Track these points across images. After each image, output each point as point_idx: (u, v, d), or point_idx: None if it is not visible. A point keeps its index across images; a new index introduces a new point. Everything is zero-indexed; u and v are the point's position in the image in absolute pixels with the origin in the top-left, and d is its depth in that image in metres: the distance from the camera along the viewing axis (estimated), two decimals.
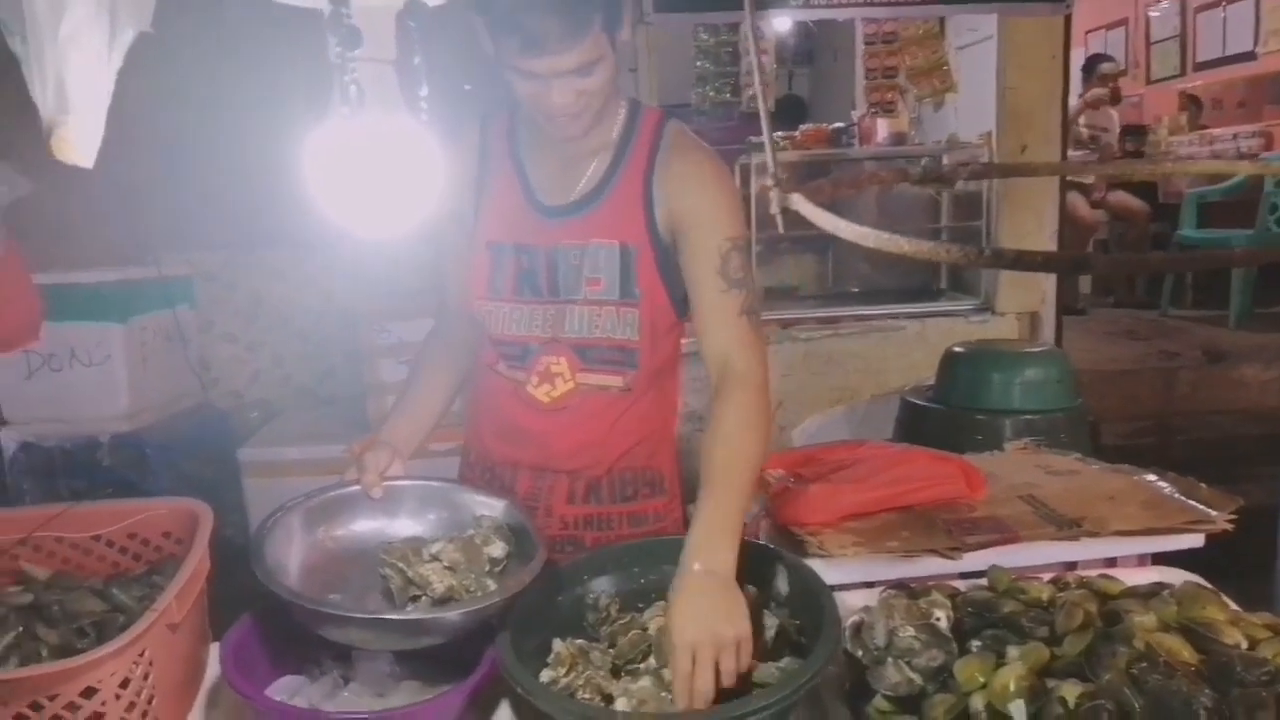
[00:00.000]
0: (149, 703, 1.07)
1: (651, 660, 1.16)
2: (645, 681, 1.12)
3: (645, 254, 1.38)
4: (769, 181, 1.90)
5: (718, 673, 1.05)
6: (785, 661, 1.13)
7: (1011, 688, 1.03)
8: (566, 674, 1.11)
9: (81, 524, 1.34)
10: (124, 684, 1.03)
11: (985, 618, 1.19)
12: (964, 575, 1.44)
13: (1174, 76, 8.38)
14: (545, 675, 1.11)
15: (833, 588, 1.17)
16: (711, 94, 6.77)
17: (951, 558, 1.49)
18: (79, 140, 0.95)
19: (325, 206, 1.17)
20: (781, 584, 1.22)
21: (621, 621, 1.22)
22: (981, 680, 1.06)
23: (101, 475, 2.97)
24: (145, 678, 1.06)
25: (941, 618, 1.17)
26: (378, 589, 1.25)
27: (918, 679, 1.09)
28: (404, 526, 1.35)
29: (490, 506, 1.36)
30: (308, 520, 1.30)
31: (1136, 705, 0.97)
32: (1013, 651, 1.09)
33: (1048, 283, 4.24)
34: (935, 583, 1.31)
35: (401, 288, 3.54)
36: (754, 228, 4.00)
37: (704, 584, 1.10)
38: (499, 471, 1.53)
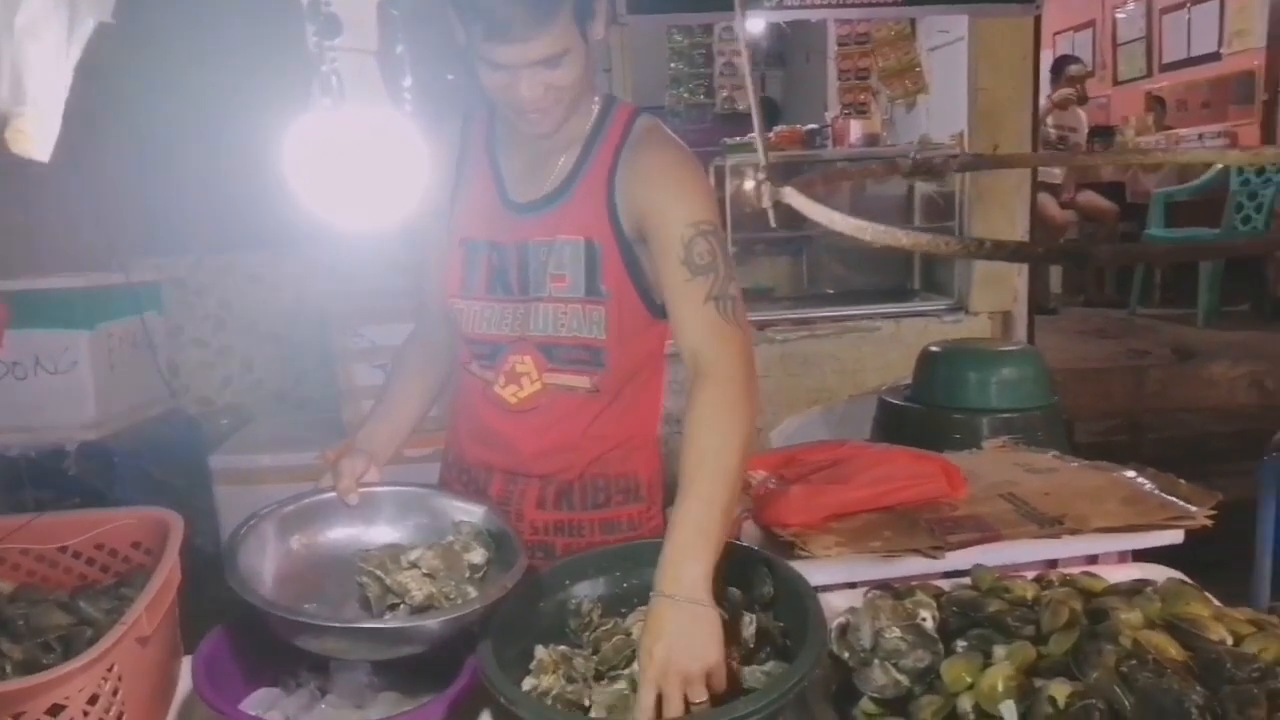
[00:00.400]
0: (118, 719, 1.04)
1: (635, 666, 1.14)
2: (621, 685, 1.10)
3: (610, 250, 1.34)
4: (760, 175, 1.89)
5: (686, 703, 1.02)
6: (770, 665, 1.12)
7: (1000, 688, 1.02)
8: (550, 680, 1.09)
9: (47, 535, 1.30)
10: (92, 700, 0.99)
11: (970, 617, 1.19)
12: (947, 574, 1.43)
13: (1140, 78, 8.50)
14: (528, 683, 1.09)
15: (816, 588, 1.16)
16: (685, 95, 6.80)
17: (934, 557, 1.49)
18: (35, 133, 0.92)
19: (305, 203, 1.14)
20: (765, 586, 1.21)
21: (604, 627, 1.20)
22: (969, 681, 1.06)
23: (69, 485, 2.90)
24: (114, 693, 1.03)
25: (927, 618, 1.17)
26: (355, 597, 1.23)
27: (905, 680, 1.09)
28: (381, 533, 1.32)
29: (469, 512, 1.34)
30: (282, 528, 1.27)
31: (1127, 704, 0.96)
32: (999, 651, 1.09)
33: (1020, 281, 4.28)
34: (919, 582, 1.30)
35: (376, 290, 3.49)
36: (729, 229, 4.00)
37: (671, 612, 1.05)
38: (474, 474, 1.51)
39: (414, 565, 1.23)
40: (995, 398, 2.69)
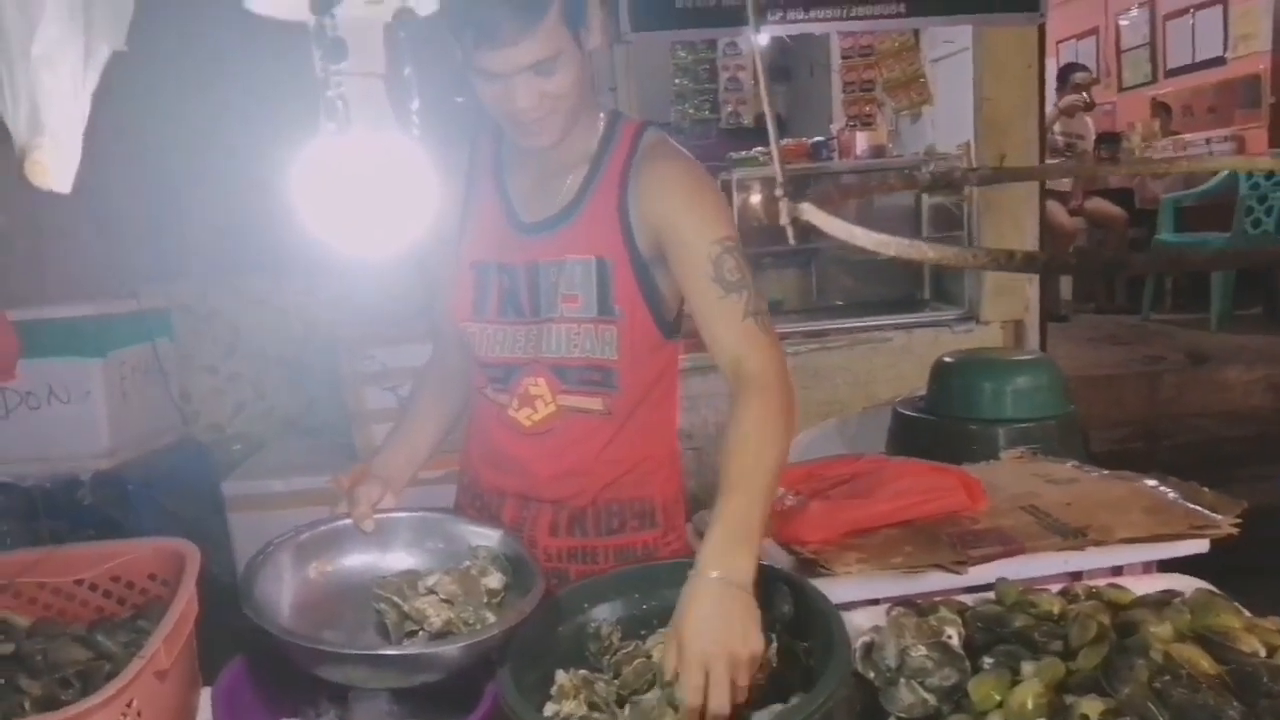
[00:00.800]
0: None
1: (657, 690, 1.12)
2: (650, 696, 1.08)
3: (623, 268, 1.34)
4: (778, 192, 1.88)
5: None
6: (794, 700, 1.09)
7: (1030, 706, 1.00)
8: (572, 706, 1.07)
9: (63, 568, 1.30)
10: None
11: (996, 633, 1.17)
12: (969, 589, 1.41)
13: (1145, 84, 8.48)
14: (549, 709, 1.08)
15: (836, 606, 1.14)
16: (691, 111, 6.82)
17: (957, 572, 1.47)
18: (54, 164, 0.92)
19: (312, 228, 1.13)
20: (786, 605, 1.19)
21: (625, 650, 1.19)
22: (998, 699, 1.04)
23: (83, 514, 2.90)
24: None
25: (953, 635, 1.15)
26: (373, 625, 1.22)
27: (932, 699, 1.07)
28: (398, 559, 1.31)
29: (486, 536, 1.33)
30: (298, 556, 1.26)
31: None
32: (1027, 668, 1.07)
33: (1031, 290, 4.26)
34: (942, 598, 1.28)
35: (386, 313, 3.50)
36: None
37: (720, 593, 1.05)
38: (487, 499, 1.50)
39: (431, 591, 1.22)
40: (1012, 408, 2.66)
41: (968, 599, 1.30)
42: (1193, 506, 1.64)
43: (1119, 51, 8.88)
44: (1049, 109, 5.66)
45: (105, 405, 2.97)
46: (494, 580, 1.24)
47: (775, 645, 1.13)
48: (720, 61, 7.26)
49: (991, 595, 1.30)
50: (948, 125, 4.91)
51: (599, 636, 1.21)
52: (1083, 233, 6.24)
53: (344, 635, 1.20)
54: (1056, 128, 6.07)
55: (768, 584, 1.19)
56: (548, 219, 1.38)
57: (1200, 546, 1.56)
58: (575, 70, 1.24)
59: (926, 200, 5.04)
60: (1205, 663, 1.03)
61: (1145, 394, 4.45)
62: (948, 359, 2.86)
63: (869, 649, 1.14)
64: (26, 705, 1.08)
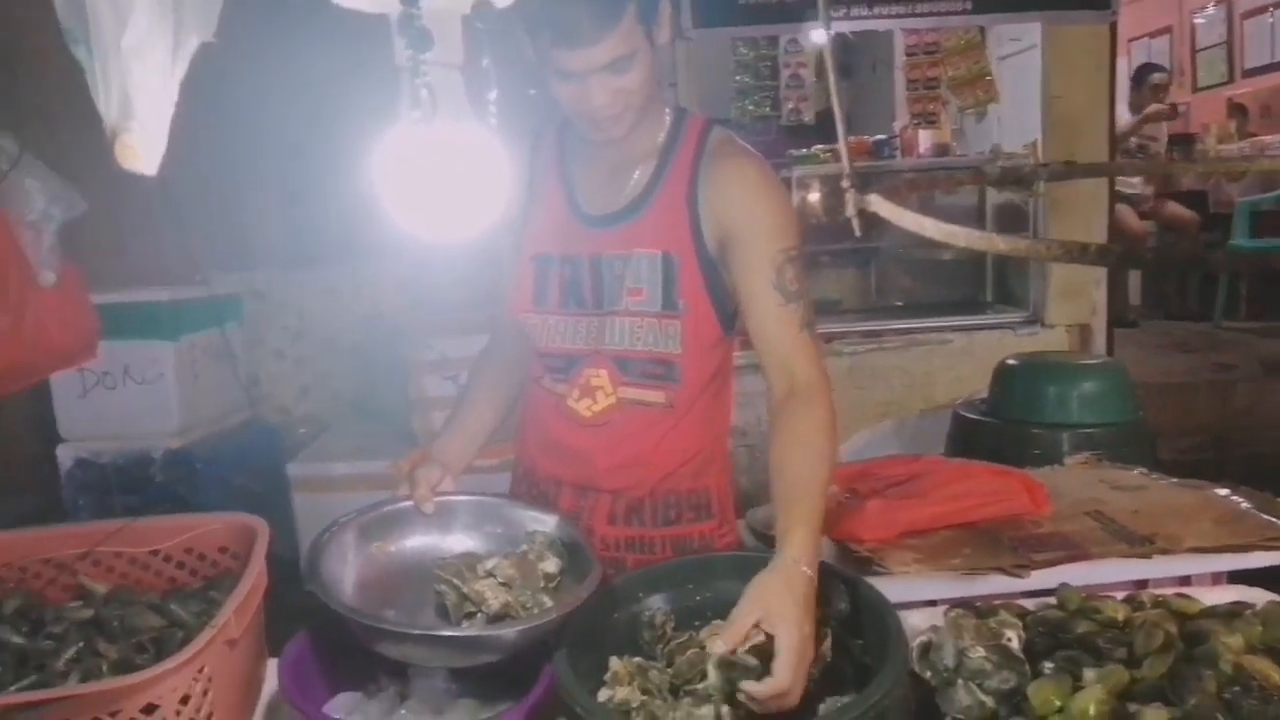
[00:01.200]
0: (208, 719, 1.06)
1: (711, 680, 1.12)
2: (706, 710, 1.08)
3: (689, 264, 1.35)
4: (845, 183, 1.87)
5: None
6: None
7: (1092, 712, 0.98)
8: (625, 692, 1.08)
9: (140, 539, 1.35)
10: (184, 700, 1.02)
11: (1058, 638, 1.15)
12: (1027, 594, 1.39)
13: (1221, 84, 8.22)
14: (603, 694, 1.09)
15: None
16: (751, 108, 6.78)
17: (1019, 576, 1.45)
18: (143, 147, 0.96)
19: (393, 215, 1.16)
20: (842, 603, 1.18)
21: (678, 640, 1.19)
22: (1058, 704, 1.02)
23: (154, 491, 3.02)
24: (205, 694, 1.05)
25: (1013, 638, 1.13)
26: (432, 605, 1.24)
27: (989, 702, 1.05)
28: (457, 542, 1.34)
29: (543, 522, 1.34)
30: (362, 535, 1.29)
31: None
32: (1089, 674, 1.05)
33: (1099, 293, 4.16)
34: (1002, 602, 1.26)
35: (447, 303, 3.56)
36: None
37: (809, 589, 1.08)
38: (544, 488, 1.51)
39: (490, 574, 1.23)
40: (1077, 412, 2.61)
41: (1027, 603, 1.28)
42: (1266, 518, 1.59)
43: (1194, 51, 8.61)
44: (1126, 114, 5.51)
45: (176, 386, 3.08)
46: (550, 565, 1.26)
47: (829, 640, 1.13)
48: (782, 59, 7.20)
49: (1052, 601, 1.27)
50: (1014, 124, 4.80)
51: (653, 625, 1.21)
52: (1152, 236, 6.05)
53: (404, 614, 1.22)
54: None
55: (823, 580, 1.19)
56: (614, 212, 1.39)
57: (1273, 559, 1.52)
58: (648, 67, 1.25)
59: (992, 200, 4.94)
60: (1277, 675, 1.00)
61: (1217, 403, 4.32)
62: (1011, 361, 2.82)
63: (926, 649, 1.13)
64: (104, 668, 1.12)
